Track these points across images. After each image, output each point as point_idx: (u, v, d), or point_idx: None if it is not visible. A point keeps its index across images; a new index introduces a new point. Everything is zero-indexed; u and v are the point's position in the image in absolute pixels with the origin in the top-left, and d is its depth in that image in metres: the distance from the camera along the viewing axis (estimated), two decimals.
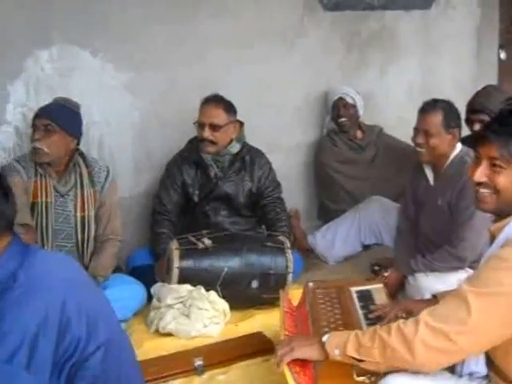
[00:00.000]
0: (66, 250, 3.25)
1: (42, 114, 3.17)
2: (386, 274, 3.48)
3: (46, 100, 3.48)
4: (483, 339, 1.82)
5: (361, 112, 4.33)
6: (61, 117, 3.16)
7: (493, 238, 1.98)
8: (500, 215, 1.96)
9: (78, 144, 3.30)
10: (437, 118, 3.24)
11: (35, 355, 1.57)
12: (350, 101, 4.26)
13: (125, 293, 3.20)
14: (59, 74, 3.63)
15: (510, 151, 1.89)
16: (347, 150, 4.35)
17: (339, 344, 2.01)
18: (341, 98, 4.25)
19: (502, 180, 1.91)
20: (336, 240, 3.97)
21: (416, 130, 3.32)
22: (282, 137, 4.33)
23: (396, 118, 4.61)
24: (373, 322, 2.49)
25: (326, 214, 4.37)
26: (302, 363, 2.17)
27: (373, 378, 2.08)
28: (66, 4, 3.57)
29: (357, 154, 4.36)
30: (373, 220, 3.93)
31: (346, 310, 2.61)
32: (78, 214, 3.25)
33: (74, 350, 1.64)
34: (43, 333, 1.59)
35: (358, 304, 2.67)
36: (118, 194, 3.44)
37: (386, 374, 2.00)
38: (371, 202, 4.01)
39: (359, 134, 4.38)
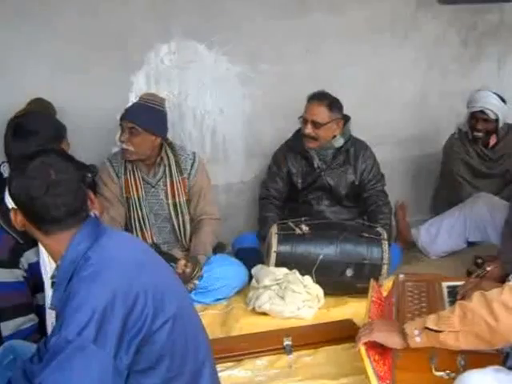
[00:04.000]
0: (167, 230, 3.52)
1: (127, 116, 3.34)
2: (488, 269, 3.39)
3: (164, 90, 3.79)
4: None
5: (502, 124, 4.01)
6: (144, 119, 3.31)
7: None
8: None
9: (163, 138, 3.45)
10: None
11: (102, 330, 1.67)
12: (491, 116, 3.95)
13: (228, 273, 3.42)
14: (177, 66, 3.89)
15: None
16: (479, 163, 4.13)
17: (419, 324, 2.07)
18: (482, 112, 3.95)
19: None
20: (440, 234, 3.93)
21: None
22: (392, 130, 4.36)
23: None
24: None
25: (441, 208, 4.25)
26: (382, 352, 2.25)
27: (452, 375, 2.12)
28: (182, 0, 3.80)
29: (488, 168, 4.15)
30: (479, 216, 3.81)
31: (433, 304, 2.58)
32: (170, 201, 3.47)
33: (141, 326, 1.74)
34: (111, 309, 1.70)
35: (446, 299, 2.63)
36: (207, 178, 3.61)
37: (464, 370, 2.02)
38: (479, 198, 3.90)
39: (493, 139, 4.07)
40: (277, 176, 3.83)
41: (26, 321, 2.60)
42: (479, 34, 4.47)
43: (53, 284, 1.94)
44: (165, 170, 3.46)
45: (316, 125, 3.63)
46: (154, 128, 3.35)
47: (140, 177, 3.45)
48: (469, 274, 3.52)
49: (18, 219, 1.90)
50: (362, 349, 2.22)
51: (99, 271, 1.77)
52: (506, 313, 1.86)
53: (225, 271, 3.42)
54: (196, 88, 3.95)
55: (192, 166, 3.52)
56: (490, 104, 3.96)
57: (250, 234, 3.86)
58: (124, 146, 3.34)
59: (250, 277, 3.42)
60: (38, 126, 2.79)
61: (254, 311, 3.22)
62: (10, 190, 1.87)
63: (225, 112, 4.06)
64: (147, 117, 3.34)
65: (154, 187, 3.47)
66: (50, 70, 3.63)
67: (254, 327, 3.09)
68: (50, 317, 2.44)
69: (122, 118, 3.36)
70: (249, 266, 3.48)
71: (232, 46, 3.94)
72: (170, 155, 3.48)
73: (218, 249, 3.66)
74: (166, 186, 3.47)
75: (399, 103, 4.38)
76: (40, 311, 2.59)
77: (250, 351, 2.84)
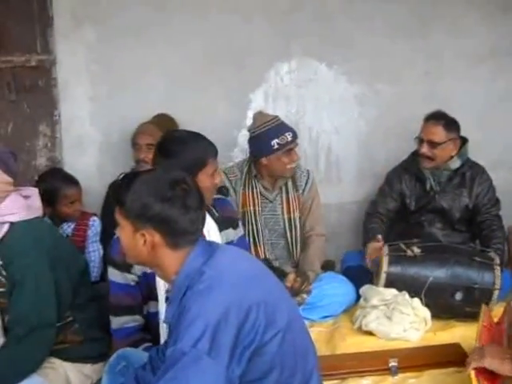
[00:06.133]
0: (280, 246, 3.62)
1: (295, 138, 3.47)
2: None
3: (281, 108, 3.93)
4: None
5: None
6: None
7: None
8: None
9: None
10: None
11: (216, 342, 1.73)
12: None
13: (336, 290, 3.46)
14: (296, 84, 4.03)
15: None
16: None
17: None
18: None
19: None
20: None
21: None
22: (508, 155, 4.27)
23: None
24: None
25: None
26: (491, 379, 2.22)
27: None
28: (304, 20, 3.93)
29: None
30: None
31: None
32: (285, 216, 3.58)
33: (253, 338, 1.79)
34: (224, 322, 1.75)
35: None
36: (318, 195, 3.68)
37: None
38: None
39: None
40: (388, 196, 3.84)
41: (130, 320, 2.66)
42: None
43: (167, 299, 2.02)
44: (281, 187, 3.58)
45: (432, 144, 3.63)
46: None
47: (258, 191, 3.57)
48: None
49: (146, 242, 1.92)
50: (472, 373, 2.21)
51: (213, 285, 1.83)
52: None
53: (333, 288, 3.46)
54: (313, 106, 4.07)
55: (306, 182, 3.63)
56: None
57: (356, 252, 3.88)
58: (292, 165, 3.50)
59: (358, 296, 3.43)
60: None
61: (360, 330, 3.22)
62: (146, 213, 1.89)
63: (340, 131, 4.13)
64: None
65: (271, 202, 3.59)
66: (171, 86, 3.85)
67: (359, 346, 3.09)
68: (164, 330, 2.49)
69: (290, 142, 3.45)
70: (357, 284, 3.49)
71: (351, 66, 4.03)
72: None
73: (327, 266, 3.72)
74: (282, 201, 3.58)
75: None
76: (151, 317, 2.65)
77: (355, 370, 2.85)
